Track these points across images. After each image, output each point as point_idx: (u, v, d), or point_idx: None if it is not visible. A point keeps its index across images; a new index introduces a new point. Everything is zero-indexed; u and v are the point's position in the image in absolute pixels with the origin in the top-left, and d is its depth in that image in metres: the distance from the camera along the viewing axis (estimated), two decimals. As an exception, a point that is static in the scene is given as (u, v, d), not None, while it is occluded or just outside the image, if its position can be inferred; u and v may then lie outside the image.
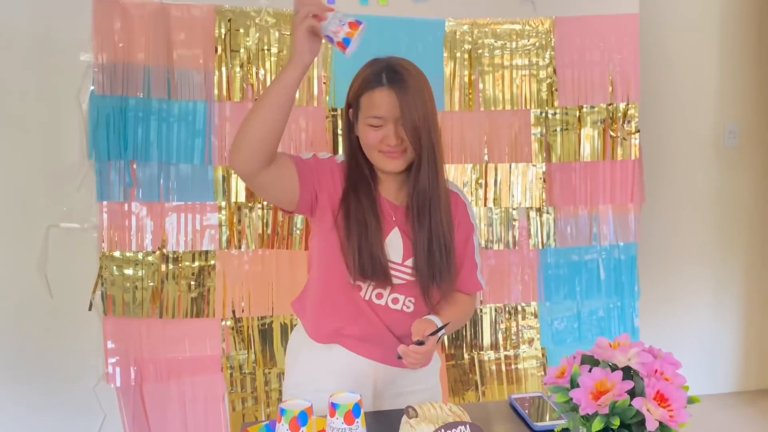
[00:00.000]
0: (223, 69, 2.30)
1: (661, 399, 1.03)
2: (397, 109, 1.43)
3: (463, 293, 1.64)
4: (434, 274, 1.51)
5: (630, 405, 1.02)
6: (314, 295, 1.58)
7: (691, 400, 1.07)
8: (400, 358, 1.41)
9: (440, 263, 1.53)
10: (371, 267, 1.48)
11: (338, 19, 1.24)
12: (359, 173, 1.51)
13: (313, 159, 1.50)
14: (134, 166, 2.28)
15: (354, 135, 1.51)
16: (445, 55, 2.44)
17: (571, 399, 1.08)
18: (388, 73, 1.44)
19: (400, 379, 1.61)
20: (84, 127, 2.29)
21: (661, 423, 1.02)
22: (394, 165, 1.49)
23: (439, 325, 1.45)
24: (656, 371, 1.07)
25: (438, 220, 1.52)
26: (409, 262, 1.53)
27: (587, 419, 1.06)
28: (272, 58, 2.32)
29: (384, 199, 1.54)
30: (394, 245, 1.53)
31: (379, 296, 1.54)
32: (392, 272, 1.52)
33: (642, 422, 1.02)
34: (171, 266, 2.33)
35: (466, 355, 2.52)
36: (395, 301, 1.55)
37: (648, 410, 1.01)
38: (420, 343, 1.39)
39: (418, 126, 1.43)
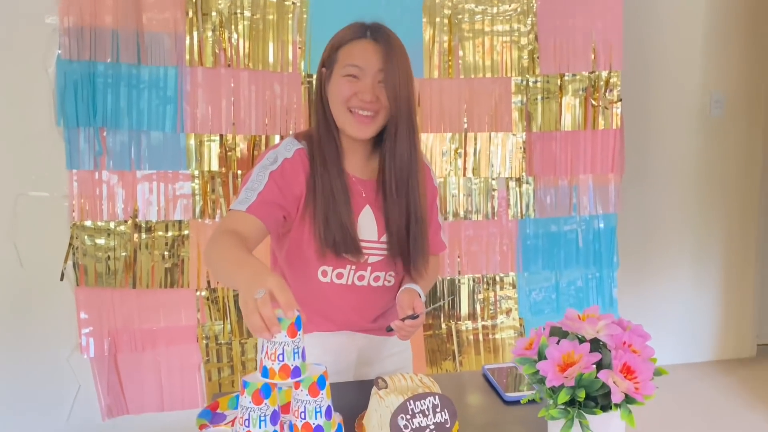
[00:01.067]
0: (195, 33, 2.23)
1: (628, 371, 1.02)
2: (379, 63, 1.37)
3: (431, 255, 1.62)
4: (412, 247, 1.49)
5: (596, 377, 1.01)
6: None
7: (658, 372, 1.06)
8: (390, 330, 1.40)
9: (417, 235, 1.51)
10: (342, 240, 1.43)
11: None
12: (327, 146, 1.44)
13: (279, 175, 1.38)
14: (104, 133, 2.22)
15: (325, 97, 1.45)
16: (424, 20, 2.38)
17: (538, 371, 1.07)
18: (373, 28, 1.40)
19: (380, 345, 1.61)
20: (51, 93, 2.22)
21: (626, 395, 1.01)
22: (363, 131, 1.43)
23: (420, 292, 1.46)
24: (624, 343, 1.06)
25: (416, 193, 1.49)
26: (384, 238, 1.50)
27: (554, 391, 1.05)
28: (245, 22, 2.25)
29: (350, 175, 1.49)
30: (367, 223, 1.50)
31: (361, 278, 1.52)
32: (368, 251, 1.50)
33: (608, 394, 1.02)
34: (144, 236, 2.29)
35: (443, 325, 2.52)
36: (377, 279, 1.54)
37: (614, 382, 1.00)
38: (414, 317, 1.39)
39: (399, 87, 1.38)
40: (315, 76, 1.50)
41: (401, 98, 1.40)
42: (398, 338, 1.46)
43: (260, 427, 1.11)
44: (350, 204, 1.45)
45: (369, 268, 1.52)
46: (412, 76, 1.42)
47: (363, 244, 1.49)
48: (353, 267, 1.50)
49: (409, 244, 1.50)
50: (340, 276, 1.50)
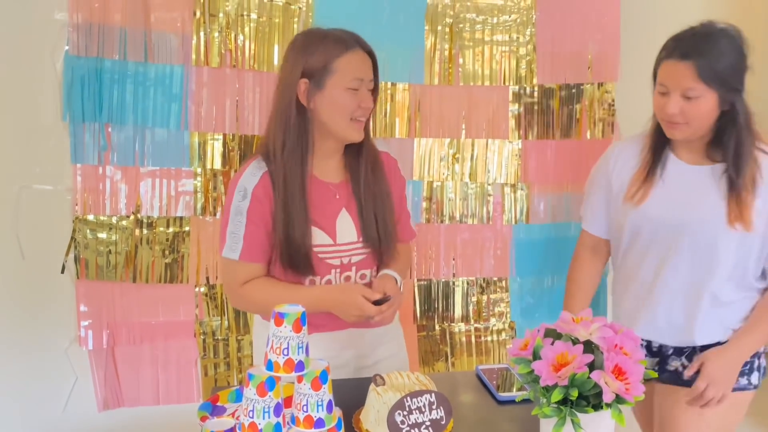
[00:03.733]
0: (201, 33, 2.27)
1: (619, 372, 1.07)
2: (370, 72, 1.47)
3: (402, 242, 1.70)
4: (383, 236, 1.57)
5: (589, 377, 1.06)
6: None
7: (647, 375, 1.11)
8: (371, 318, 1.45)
9: (388, 227, 1.58)
10: (299, 258, 1.50)
11: None
12: (295, 157, 1.47)
13: (253, 211, 1.48)
14: (109, 129, 2.25)
15: (306, 108, 1.47)
16: (426, 27, 2.43)
17: (533, 370, 1.11)
18: (355, 36, 1.48)
19: (373, 342, 1.66)
20: (58, 88, 2.25)
21: (617, 395, 1.06)
22: (360, 134, 1.51)
23: (395, 276, 1.55)
24: (616, 346, 1.11)
25: (383, 185, 1.56)
26: (363, 237, 1.56)
27: (547, 390, 1.10)
28: (251, 24, 2.29)
29: (322, 181, 1.54)
30: (346, 226, 1.55)
31: (348, 279, 1.58)
32: (350, 253, 1.56)
33: (600, 394, 1.07)
34: (145, 231, 2.32)
35: (437, 327, 2.56)
36: (363, 277, 1.60)
37: (606, 383, 1.05)
38: (379, 301, 1.45)
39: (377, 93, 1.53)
40: (280, 89, 1.50)
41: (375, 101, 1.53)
42: (376, 322, 1.52)
43: (264, 419, 1.15)
44: (307, 218, 1.48)
45: (354, 268, 1.57)
46: None
47: (344, 247, 1.55)
48: (338, 270, 1.56)
49: (379, 234, 1.56)
50: (329, 282, 1.56)
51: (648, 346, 1.75)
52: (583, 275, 1.90)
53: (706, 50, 1.54)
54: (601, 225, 1.84)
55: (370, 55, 1.50)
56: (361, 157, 1.55)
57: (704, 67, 1.52)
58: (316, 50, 1.45)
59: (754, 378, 1.70)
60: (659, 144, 1.70)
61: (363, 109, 1.47)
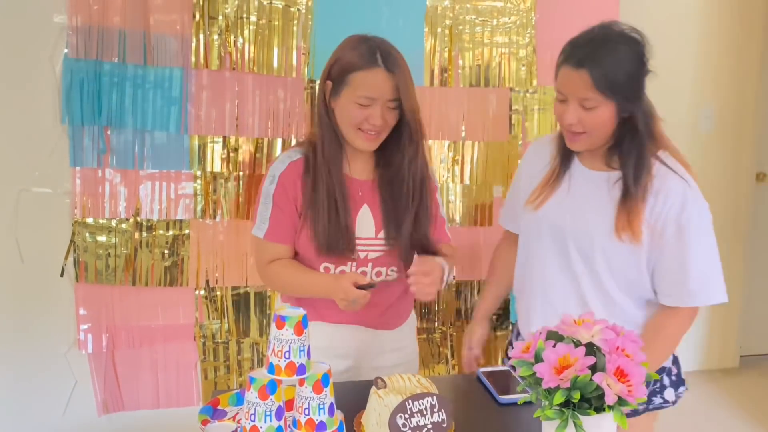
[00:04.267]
0: (201, 36, 2.27)
1: (621, 374, 1.07)
2: (390, 92, 1.46)
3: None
4: (403, 239, 1.57)
5: (591, 380, 1.05)
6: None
7: (649, 377, 1.10)
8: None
9: (417, 228, 1.58)
10: (336, 241, 1.52)
11: None
12: (332, 152, 1.52)
13: (279, 194, 1.53)
14: (108, 132, 2.25)
15: (330, 108, 1.51)
16: (426, 30, 2.43)
17: (535, 373, 1.11)
18: (384, 54, 1.46)
19: (384, 340, 1.66)
20: (57, 91, 2.25)
21: (619, 397, 1.05)
22: (369, 145, 1.52)
23: (443, 264, 1.54)
24: (618, 348, 1.11)
25: (410, 187, 1.56)
26: (382, 234, 1.56)
27: (549, 392, 1.09)
28: (251, 27, 2.29)
29: (348, 176, 1.56)
30: (366, 221, 1.57)
31: (363, 274, 1.58)
32: (366, 248, 1.56)
33: (602, 396, 1.06)
34: (145, 234, 2.31)
35: (437, 330, 2.56)
36: (378, 274, 1.60)
37: (608, 385, 1.05)
38: (370, 286, 1.46)
39: (413, 110, 1.49)
40: (318, 85, 1.54)
41: (414, 116, 1.51)
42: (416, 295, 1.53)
43: (265, 422, 1.15)
44: (348, 206, 1.53)
45: (370, 264, 1.58)
46: (414, 87, 1.51)
47: (361, 241, 1.56)
48: (354, 264, 1.56)
49: (400, 234, 1.56)
50: (342, 273, 1.56)
51: None
52: (503, 255, 1.82)
53: (601, 58, 1.44)
54: (507, 218, 1.79)
55: (400, 73, 1.46)
56: (394, 156, 1.55)
57: (599, 76, 1.42)
58: (343, 58, 1.48)
59: (669, 394, 1.65)
60: (566, 151, 1.60)
61: (371, 123, 1.48)
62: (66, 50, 2.20)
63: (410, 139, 1.53)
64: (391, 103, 1.48)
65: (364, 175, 1.59)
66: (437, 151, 2.50)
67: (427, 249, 1.59)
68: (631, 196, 1.49)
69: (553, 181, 1.61)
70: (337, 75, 1.48)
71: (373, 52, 1.45)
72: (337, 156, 1.53)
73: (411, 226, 1.56)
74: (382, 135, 1.51)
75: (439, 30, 2.45)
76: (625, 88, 1.47)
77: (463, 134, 2.51)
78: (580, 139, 1.52)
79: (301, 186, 1.53)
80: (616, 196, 1.52)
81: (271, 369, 1.17)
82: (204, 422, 1.40)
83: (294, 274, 1.57)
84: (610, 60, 1.45)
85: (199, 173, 2.32)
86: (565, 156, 1.61)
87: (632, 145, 1.51)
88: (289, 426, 1.21)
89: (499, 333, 2.62)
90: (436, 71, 2.46)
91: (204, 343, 2.39)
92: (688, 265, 1.50)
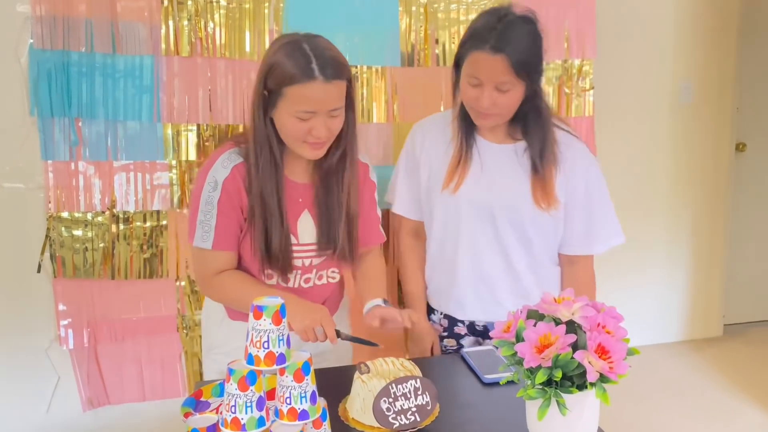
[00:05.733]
0: (170, 22, 2.21)
1: (602, 351, 1.07)
2: (333, 101, 1.41)
3: (371, 245, 1.71)
4: (346, 241, 1.57)
5: (572, 358, 1.05)
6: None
7: (631, 352, 1.10)
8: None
9: (351, 231, 1.58)
10: (284, 253, 1.51)
11: None
12: (272, 161, 1.47)
13: (224, 202, 1.48)
14: (79, 123, 2.20)
15: (269, 117, 1.45)
16: (401, 8, 2.39)
17: (516, 352, 1.10)
18: (320, 63, 1.38)
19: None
20: (24, 83, 2.19)
21: (601, 374, 1.05)
22: (316, 154, 1.49)
23: (382, 302, 1.57)
24: (599, 325, 1.10)
25: (346, 191, 1.55)
26: (323, 239, 1.56)
27: (532, 372, 1.09)
28: (221, 11, 2.24)
29: (290, 180, 1.53)
30: (307, 227, 1.56)
31: (307, 281, 1.60)
32: (311, 254, 1.56)
33: (584, 374, 1.06)
34: (122, 227, 2.28)
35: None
36: (320, 277, 1.62)
37: (589, 362, 1.04)
38: (355, 339, 1.51)
39: (351, 119, 1.49)
40: (255, 85, 1.47)
41: (352, 121, 1.50)
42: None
43: (246, 413, 1.13)
44: (288, 220, 1.50)
45: (314, 270, 1.58)
46: (355, 87, 1.53)
47: (304, 248, 1.54)
48: (299, 271, 1.56)
49: (337, 239, 1.56)
50: (287, 280, 1.56)
51: (471, 325, 1.78)
52: (414, 259, 1.85)
53: (516, 42, 1.50)
54: (412, 207, 1.81)
55: (340, 78, 1.41)
56: (327, 162, 1.53)
57: (517, 60, 1.50)
58: (276, 69, 1.39)
59: None
60: (468, 130, 1.67)
61: (315, 136, 1.43)
62: (31, 41, 2.14)
63: (338, 141, 1.51)
64: (334, 112, 1.43)
65: (304, 178, 1.56)
66: (416, 132, 2.47)
67: (354, 250, 1.60)
68: (542, 167, 1.62)
69: (463, 161, 1.67)
70: (273, 86, 1.41)
71: (308, 61, 1.37)
72: (278, 165, 1.48)
73: (345, 229, 1.55)
74: (329, 142, 1.49)
75: (413, 9, 2.41)
76: (535, 68, 1.56)
77: (442, 114, 2.49)
78: (491, 118, 1.61)
79: (245, 193, 1.49)
80: (527, 167, 1.64)
81: (251, 360, 1.15)
82: (186, 415, 1.39)
83: (255, 288, 1.50)
84: (522, 43, 1.52)
85: (174, 162, 2.28)
86: (467, 135, 1.68)
87: (538, 120, 1.62)
88: (271, 416, 1.20)
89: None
90: (413, 51, 2.42)
91: (187, 334, 2.37)
92: (595, 215, 1.70)
